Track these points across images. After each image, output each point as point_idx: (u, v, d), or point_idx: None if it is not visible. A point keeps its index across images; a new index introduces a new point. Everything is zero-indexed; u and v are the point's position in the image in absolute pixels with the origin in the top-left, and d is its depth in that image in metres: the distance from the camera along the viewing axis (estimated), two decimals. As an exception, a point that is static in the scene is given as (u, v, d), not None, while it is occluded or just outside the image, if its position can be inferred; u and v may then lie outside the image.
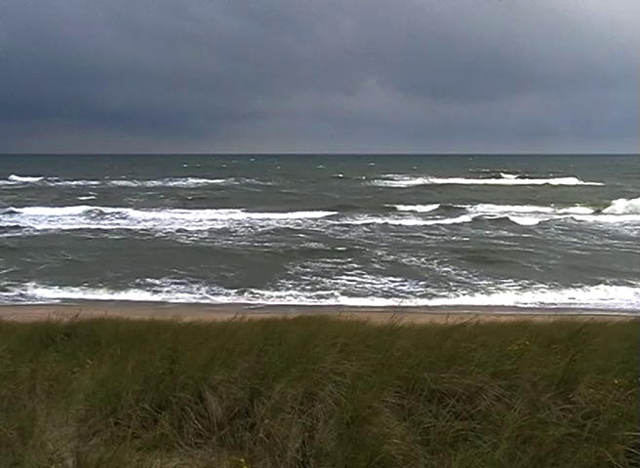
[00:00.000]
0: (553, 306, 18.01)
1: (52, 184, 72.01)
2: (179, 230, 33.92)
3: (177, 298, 18.86)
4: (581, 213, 43.70)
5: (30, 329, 8.24)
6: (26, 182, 73.61)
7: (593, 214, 43.51)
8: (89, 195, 56.35)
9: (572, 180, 77.40)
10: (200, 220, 38.48)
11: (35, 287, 19.61)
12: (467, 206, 47.66)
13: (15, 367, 4.97)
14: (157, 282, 20.65)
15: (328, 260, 24.57)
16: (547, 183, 74.93)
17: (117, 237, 31.71)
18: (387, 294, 19.32)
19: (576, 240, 30.66)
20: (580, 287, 19.55)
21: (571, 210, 45.48)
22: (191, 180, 79.72)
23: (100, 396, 4.27)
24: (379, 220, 38.32)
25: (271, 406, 3.99)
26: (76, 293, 19.13)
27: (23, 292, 18.95)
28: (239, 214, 41.44)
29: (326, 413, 4.01)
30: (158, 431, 3.90)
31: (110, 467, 3.36)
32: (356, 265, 23.54)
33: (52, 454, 3.57)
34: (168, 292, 19.62)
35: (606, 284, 19.78)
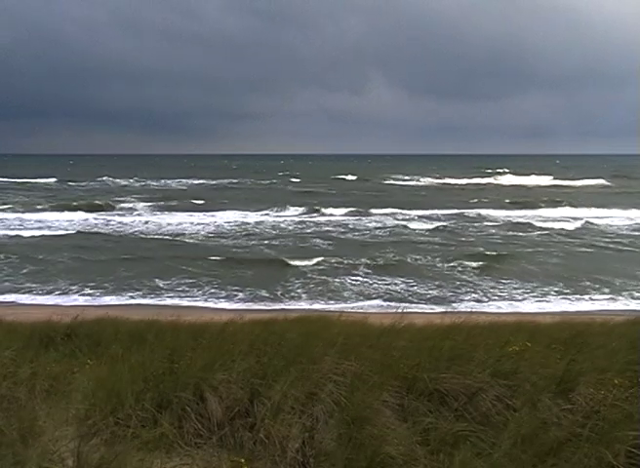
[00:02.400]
0: (553, 306, 18.04)
1: (66, 185, 71.13)
2: (193, 232, 34.11)
3: (181, 299, 18.96)
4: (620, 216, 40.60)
5: (30, 329, 8.24)
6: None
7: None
8: (106, 195, 55.99)
9: (599, 181, 73.88)
10: (214, 222, 38.69)
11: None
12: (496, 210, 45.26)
13: (15, 367, 4.96)
14: (165, 282, 20.87)
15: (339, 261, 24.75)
16: (570, 185, 71.54)
17: (132, 238, 32.06)
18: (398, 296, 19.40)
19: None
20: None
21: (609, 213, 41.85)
22: (206, 181, 79.37)
23: (101, 396, 4.27)
24: (396, 222, 38.48)
25: (271, 406, 3.99)
26: (84, 295, 19.28)
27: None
28: (255, 216, 41.37)
29: (326, 414, 4.01)
30: (158, 431, 3.90)
31: (110, 467, 3.36)
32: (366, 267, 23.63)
33: (52, 454, 3.56)
34: (174, 292, 19.78)
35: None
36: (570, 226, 35.80)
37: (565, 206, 47.24)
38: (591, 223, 37.25)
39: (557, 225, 36.21)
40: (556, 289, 20.06)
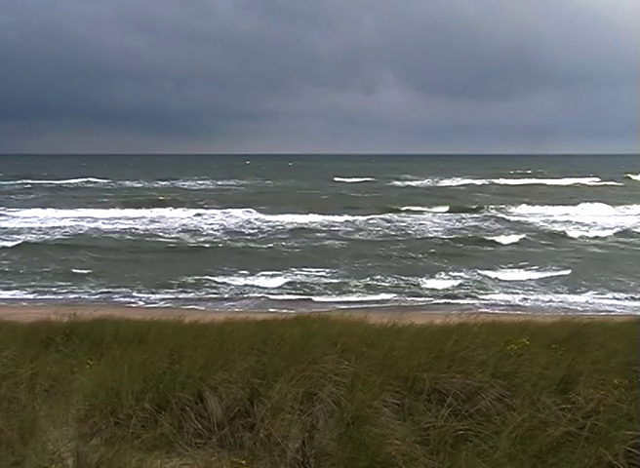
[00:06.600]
0: (553, 306, 18.01)
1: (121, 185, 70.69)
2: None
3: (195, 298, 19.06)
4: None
5: (30, 329, 8.23)
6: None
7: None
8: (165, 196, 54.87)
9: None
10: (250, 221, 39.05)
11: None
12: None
13: (15, 367, 4.96)
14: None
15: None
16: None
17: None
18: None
19: None
20: None
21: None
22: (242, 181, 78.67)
23: (101, 396, 4.26)
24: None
25: (271, 406, 3.99)
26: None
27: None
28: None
29: (326, 413, 4.01)
30: (158, 431, 3.90)
31: (110, 467, 3.36)
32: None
33: (52, 454, 3.56)
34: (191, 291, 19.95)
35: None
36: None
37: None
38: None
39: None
40: None
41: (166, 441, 3.92)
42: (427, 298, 19.01)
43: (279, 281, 21.22)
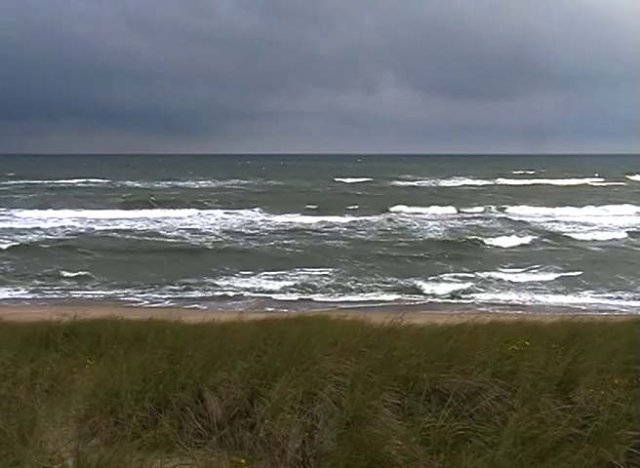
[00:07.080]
0: (553, 306, 18.00)
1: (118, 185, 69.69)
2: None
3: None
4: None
5: (30, 329, 8.23)
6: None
7: None
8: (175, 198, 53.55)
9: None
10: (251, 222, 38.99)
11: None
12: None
13: (15, 367, 4.96)
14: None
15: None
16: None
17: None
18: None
19: None
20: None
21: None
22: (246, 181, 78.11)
23: (100, 396, 4.27)
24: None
25: (271, 406, 3.99)
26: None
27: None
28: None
29: (326, 413, 4.01)
30: (158, 431, 3.90)
31: (110, 467, 3.36)
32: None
33: (52, 454, 3.56)
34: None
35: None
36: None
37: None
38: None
39: None
40: None
41: (166, 441, 3.92)
42: (428, 298, 19.03)
43: (280, 281, 21.26)
